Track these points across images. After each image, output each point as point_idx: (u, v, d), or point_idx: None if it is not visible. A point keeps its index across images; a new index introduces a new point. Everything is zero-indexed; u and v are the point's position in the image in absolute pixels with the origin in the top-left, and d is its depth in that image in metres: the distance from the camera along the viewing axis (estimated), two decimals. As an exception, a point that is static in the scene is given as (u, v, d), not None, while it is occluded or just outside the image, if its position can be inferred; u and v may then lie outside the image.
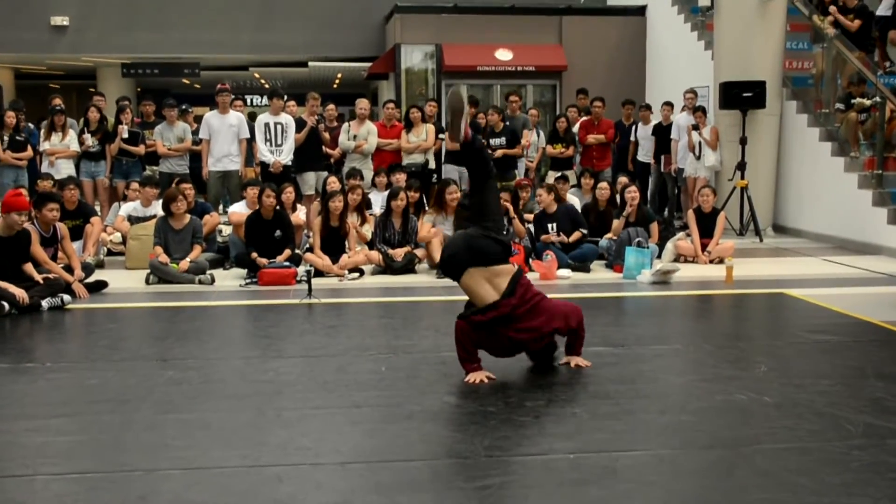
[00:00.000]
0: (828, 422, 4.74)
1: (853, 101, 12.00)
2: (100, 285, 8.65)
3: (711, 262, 10.32)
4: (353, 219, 9.94)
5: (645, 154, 14.03)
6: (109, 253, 10.62)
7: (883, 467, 4.11)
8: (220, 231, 10.96)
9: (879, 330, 6.99)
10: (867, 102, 11.72)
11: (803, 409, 4.95)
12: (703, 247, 10.51)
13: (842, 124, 12.28)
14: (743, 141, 12.71)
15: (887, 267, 9.97)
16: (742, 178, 12.64)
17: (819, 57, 13.33)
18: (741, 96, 12.71)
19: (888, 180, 11.49)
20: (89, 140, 12.19)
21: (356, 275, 9.47)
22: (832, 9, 13.22)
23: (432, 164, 12.76)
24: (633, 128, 14.18)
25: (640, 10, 18.60)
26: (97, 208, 11.57)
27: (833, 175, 12.09)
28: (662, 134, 13.66)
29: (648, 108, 14.22)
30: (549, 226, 10.24)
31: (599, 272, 9.91)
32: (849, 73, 12.53)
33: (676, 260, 10.26)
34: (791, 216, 13.18)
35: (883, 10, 13.72)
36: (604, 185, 10.98)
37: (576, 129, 13.76)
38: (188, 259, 9.20)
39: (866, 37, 13.20)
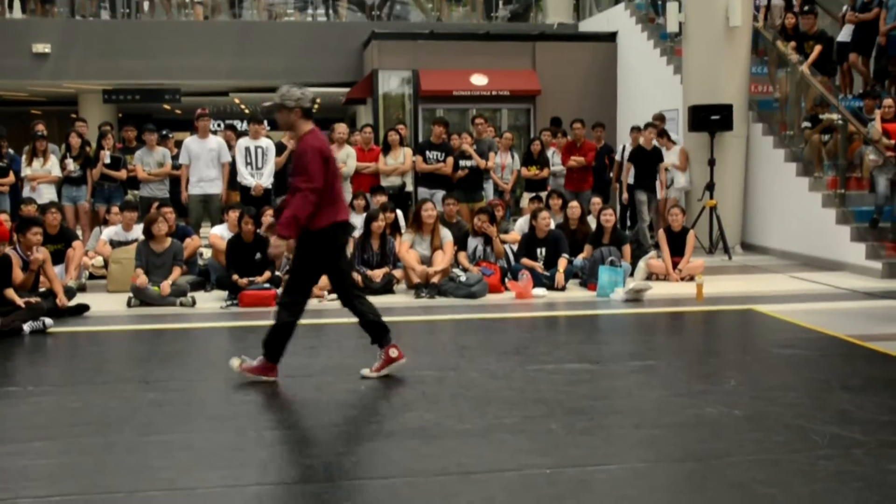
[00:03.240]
0: (796, 433, 4.87)
1: (821, 117, 12.25)
2: (81, 309, 8.69)
3: (682, 279, 10.48)
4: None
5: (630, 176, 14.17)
6: (91, 277, 10.64)
7: (849, 476, 4.23)
8: (201, 254, 11.02)
9: (844, 344, 7.15)
10: (835, 118, 11.97)
11: (772, 422, 5.08)
12: (674, 265, 10.69)
13: (806, 145, 12.54)
14: (711, 162, 12.93)
15: (851, 283, 10.17)
16: (711, 197, 12.84)
17: (783, 81, 13.59)
18: (709, 119, 12.94)
19: (851, 199, 11.73)
20: (71, 165, 12.24)
21: (335, 296, 9.52)
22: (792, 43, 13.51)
23: (409, 187, 12.90)
24: (621, 148, 14.34)
25: (611, 37, 18.85)
26: (79, 233, 11.60)
27: (798, 194, 12.32)
28: (645, 158, 13.49)
29: (638, 129, 14.34)
30: (539, 250, 10.35)
31: (574, 291, 10.04)
32: (812, 96, 12.79)
33: (648, 278, 10.43)
34: (758, 234, 13.40)
35: (843, 37, 14.03)
36: (574, 204, 11.13)
37: (550, 152, 13.93)
38: (169, 281, 9.26)
39: (827, 62, 13.47)
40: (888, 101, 11.67)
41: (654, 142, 13.41)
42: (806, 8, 14.09)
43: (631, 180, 13.72)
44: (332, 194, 5.98)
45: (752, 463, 4.44)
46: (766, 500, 3.99)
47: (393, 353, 6.16)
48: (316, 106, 28.93)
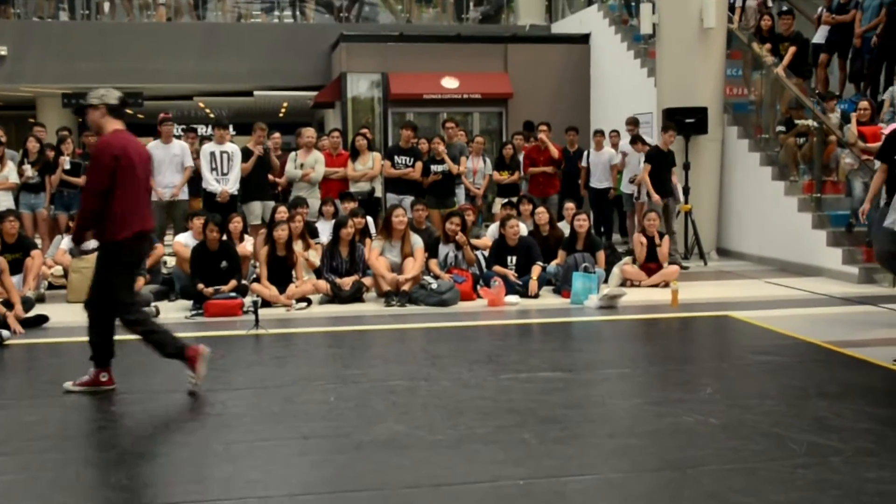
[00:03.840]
0: (773, 442, 4.80)
1: (796, 122, 12.24)
2: (40, 320, 8.49)
3: (657, 285, 10.41)
4: (297, 246, 9.90)
5: (598, 180, 14.11)
6: (50, 286, 10.43)
7: (826, 485, 4.17)
8: (165, 262, 10.83)
9: (821, 350, 7.10)
10: (811, 123, 11.96)
11: (749, 430, 5.01)
12: (650, 271, 10.62)
13: (781, 149, 12.52)
14: (686, 166, 12.88)
15: (827, 288, 10.15)
16: (686, 202, 12.80)
17: (758, 83, 13.58)
18: (684, 122, 12.89)
19: (827, 203, 11.72)
20: (29, 171, 11.99)
21: (304, 304, 9.41)
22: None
23: (378, 193, 12.77)
24: (585, 154, 14.28)
25: (584, 38, 18.82)
26: (37, 241, 11.37)
27: (774, 199, 12.30)
28: (663, 161, 12.69)
29: (601, 133, 14.31)
30: (509, 258, 10.24)
31: (547, 298, 9.95)
32: (787, 99, 12.78)
33: (623, 284, 10.34)
34: (734, 239, 13.37)
35: (818, 39, 14.06)
36: (541, 210, 11.03)
37: (523, 156, 13.84)
38: (132, 291, 9.06)
39: (803, 63, 13.48)
40: (864, 104, 11.68)
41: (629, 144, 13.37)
42: (784, 9, 14.10)
43: (600, 184, 13.72)
44: (132, 202, 5.90)
45: (728, 472, 4.38)
46: (744, 511, 3.92)
47: (103, 377, 6.04)
48: (283, 110, 28.97)
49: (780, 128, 12.64)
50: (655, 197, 12.09)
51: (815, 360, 6.80)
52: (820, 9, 14.34)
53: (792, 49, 13.22)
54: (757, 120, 13.55)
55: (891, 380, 6.17)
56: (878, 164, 10.08)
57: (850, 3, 13.83)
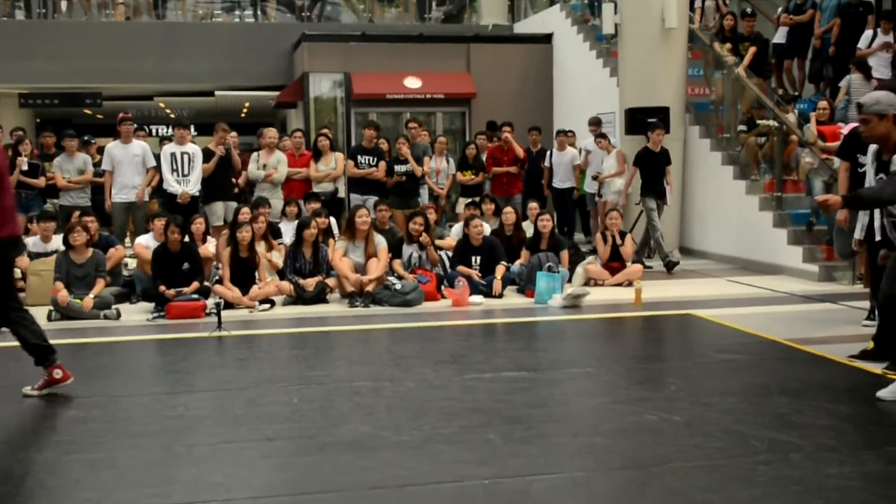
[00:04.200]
0: (735, 439, 4.84)
1: (758, 122, 12.35)
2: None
3: (620, 284, 10.46)
4: (259, 247, 9.84)
5: (561, 180, 14.15)
6: (10, 289, 10.28)
7: (787, 481, 4.20)
8: (126, 264, 10.72)
9: (782, 347, 7.16)
10: (772, 123, 12.07)
11: (712, 428, 5.04)
12: (613, 270, 10.67)
13: (742, 148, 12.63)
14: (648, 165, 12.94)
15: (788, 286, 10.24)
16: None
17: (719, 83, 13.69)
18: (646, 122, 12.96)
19: (787, 202, 11.84)
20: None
21: (267, 306, 9.35)
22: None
23: (342, 193, 12.73)
24: (548, 154, 14.32)
25: (547, 38, 18.87)
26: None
27: (735, 198, 12.39)
28: (652, 161, 12.56)
29: (565, 133, 14.35)
30: (473, 258, 10.23)
31: (511, 297, 9.96)
32: (748, 99, 12.89)
33: (586, 284, 10.38)
34: (696, 238, 13.46)
35: (778, 39, 14.21)
36: (509, 209, 11.05)
37: (486, 156, 13.86)
38: (91, 295, 8.96)
39: (763, 63, 13.60)
40: (823, 104, 11.80)
41: (592, 143, 13.41)
42: (749, 11, 14.23)
43: (562, 184, 13.72)
44: None
45: (691, 469, 4.41)
46: (707, 507, 3.94)
47: (57, 373, 5.99)
48: (245, 110, 28.76)
49: (742, 127, 12.75)
50: (622, 201, 12.11)
51: (776, 358, 6.85)
52: (779, 9, 14.49)
53: (752, 49, 13.36)
54: (718, 119, 13.67)
55: (850, 376, 6.24)
56: (837, 162, 10.20)
57: (807, 4, 14.00)
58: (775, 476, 4.27)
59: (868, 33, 12.92)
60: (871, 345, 6.57)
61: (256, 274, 9.68)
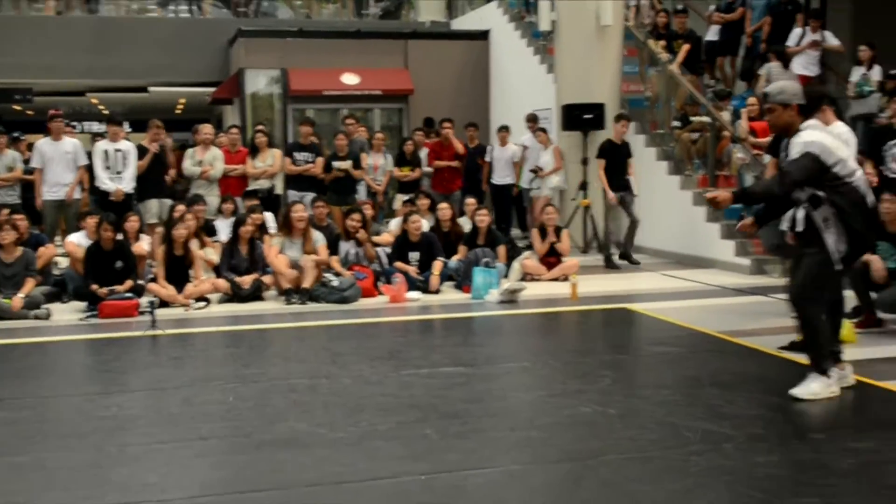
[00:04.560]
0: (668, 430, 4.91)
1: (692, 119, 12.51)
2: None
3: (557, 279, 10.53)
4: (193, 245, 9.73)
5: (500, 176, 14.19)
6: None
7: (719, 471, 4.28)
8: (57, 263, 10.52)
9: (714, 340, 7.27)
10: (706, 119, 12.23)
11: (645, 420, 5.11)
12: (549, 265, 10.74)
13: (676, 144, 12.79)
14: (584, 161, 13.06)
15: (721, 279, 10.40)
16: (585, 197, 12.98)
17: (654, 80, 13.85)
18: (582, 118, 13.07)
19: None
20: None
21: (202, 304, 9.25)
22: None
23: (279, 190, 12.64)
24: (490, 149, 14.36)
25: (484, 35, 18.92)
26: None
27: (669, 193, 12.55)
28: (616, 154, 12.23)
29: (506, 129, 14.38)
30: (411, 254, 10.22)
31: (448, 293, 9.98)
32: (682, 95, 13.06)
33: (523, 279, 10.44)
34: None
35: (711, 36, 14.42)
36: (444, 205, 11.07)
37: (423, 152, 13.86)
38: (21, 294, 8.77)
39: (696, 60, 13.80)
40: (753, 100, 11.99)
41: (529, 139, 13.47)
42: (680, 7, 14.41)
43: (502, 180, 13.75)
44: None
45: (625, 461, 4.46)
46: (640, 498, 4.01)
47: None
48: (180, 106, 28.43)
49: (676, 123, 12.92)
50: (611, 195, 11.72)
51: (708, 350, 6.96)
52: (711, 7, 14.71)
53: (686, 46, 13.52)
54: (652, 116, 13.82)
55: (780, 367, 6.36)
56: (767, 158, 10.36)
57: (737, 2, 14.25)
58: (707, 466, 4.34)
59: (797, 31, 13.18)
60: (799, 336, 6.70)
61: (191, 272, 9.57)
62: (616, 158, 11.94)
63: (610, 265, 11.77)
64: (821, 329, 5.56)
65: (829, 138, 5.44)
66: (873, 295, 7.44)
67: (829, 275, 5.46)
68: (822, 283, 5.49)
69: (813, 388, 5.46)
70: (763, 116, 11.73)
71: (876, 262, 7.18)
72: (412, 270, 9.99)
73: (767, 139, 10.83)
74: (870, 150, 7.62)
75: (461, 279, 10.14)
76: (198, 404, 5.60)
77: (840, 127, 6.24)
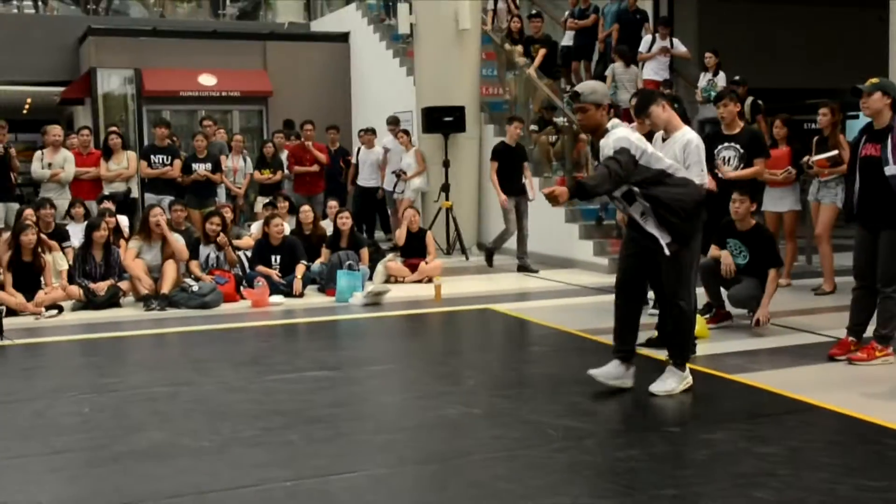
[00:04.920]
0: (532, 428, 4.98)
1: (554, 121, 12.74)
2: None
3: (421, 281, 10.58)
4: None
5: (365, 178, 14.14)
6: None
7: (581, 466, 4.38)
8: None
9: (575, 338, 7.43)
10: (560, 122, 12.49)
11: (509, 419, 5.18)
12: (413, 267, 10.78)
13: (535, 146, 13.03)
14: (446, 163, 13.16)
15: (581, 279, 10.64)
16: (447, 199, 13.08)
17: (512, 84, 14.08)
18: (442, 121, 13.18)
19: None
20: None
21: (54, 312, 8.90)
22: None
23: (135, 193, 12.30)
24: (356, 151, 14.30)
25: (344, 37, 18.86)
26: None
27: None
28: (509, 156, 11.81)
29: (372, 132, 14.33)
30: (273, 258, 10.07)
31: (312, 297, 9.90)
32: (539, 98, 13.32)
33: (387, 281, 10.45)
34: (494, 234, 13.63)
35: (566, 41, 14.76)
36: (306, 208, 10.98)
37: (284, 154, 13.70)
38: None
39: (552, 65, 14.09)
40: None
41: (391, 141, 13.49)
42: (534, 12, 14.68)
43: (367, 182, 13.72)
44: None
45: (491, 460, 4.51)
46: (506, 496, 4.04)
47: None
48: (27, 106, 27.30)
49: (534, 126, 13.16)
50: (502, 198, 11.25)
51: (569, 349, 7.11)
52: (567, 12, 15.05)
53: (542, 51, 13.80)
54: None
55: (637, 364, 6.51)
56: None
57: (590, 9, 14.65)
58: (570, 462, 4.42)
59: (647, 38, 13.66)
60: (655, 333, 6.93)
61: (42, 278, 9.19)
62: (510, 161, 11.50)
63: (490, 262, 11.84)
64: (691, 321, 5.77)
65: (634, 134, 5.58)
66: (724, 291, 7.74)
67: (687, 264, 5.60)
68: (686, 274, 5.62)
69: (670, 385, 5.63)
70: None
71: (726, 258, 7.48)
72: (274, 274, 9.87)
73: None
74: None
75: (325, 282, 10.07)
76: (51, 417, 5.39)
77: (689, 133, 6.45)
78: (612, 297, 8.64)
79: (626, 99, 12.08)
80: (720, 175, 7.85)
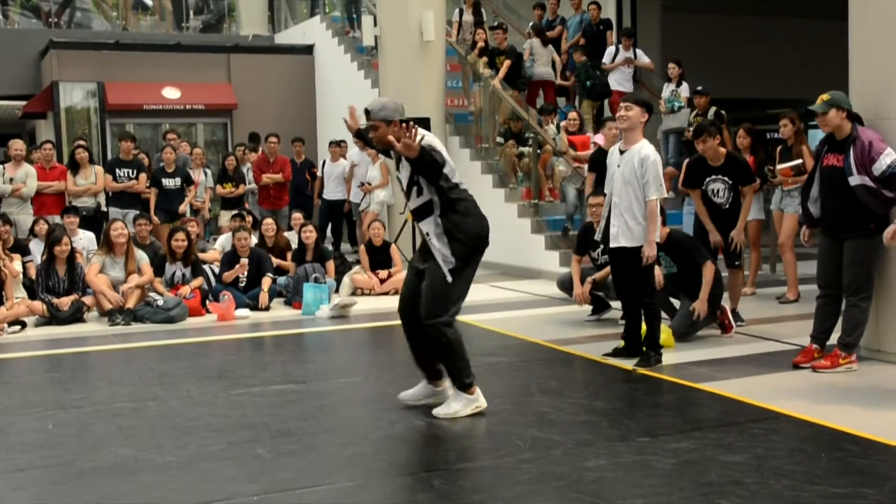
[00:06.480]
0: (499, 439, 4.99)
1: (528, 135, 12.77)
2: None
3: (387, 293, 10.56)
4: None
5: (331, 191, 14.09)
6: None
7: (549, 476, 4.37)
8: None
9: (542, 349, 7.46)
10: (526, 150, 12.54)
11: (477, 430, 5.19)
12: (380, 279, 10.76)
13: (500, 158, 13.08)
14: (412, 176, 13.14)
15: (546, 289, 10.64)
16: (412, 211, 13.05)
17: (477, 95, 14.13)
18: (408, 132, 13.14)
19: (543, 209, 12.35)
20: None
21: (17, 328, 8.80)
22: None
23: (104, 207, 12.19)
24: (322, 163, 14.28)
25: (308, 49, 18.84)
26: None
27: (495, 205, 12.75)
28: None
29: (337, 144, 14.28)
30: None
31: (279, 310, 9.86)
32: (504, 110, 13.38)
33: (354, 293, 10.43)
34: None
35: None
36: (269, 221, 10.94)
37: (246, 168, 13.63)
38: None
39: (517, 76, 14.16)
40: (573, 115, 12.40)
41: (357, 153, 13.46)
42: (496, 24, 14.76)
43: (333, 195, 13.66)
44: None
45: (458, 472, 4.51)
46: (475, 509, 4.03)
47: None
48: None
49: (499, 138, 13.22)
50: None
51: (537, 359, 7.13)
52: (531, 24, 15.14)
53: (507, 62, 13.85)
54: (477, 130, 14.10)
55: (604, 373, 6.58)
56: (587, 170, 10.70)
57: (557, 21, 14.76)
58: (538, 473, 4.42)
59: (611, 49, 13.78)
60: (621, 343, 6.96)
61: (3, 294, 9.08)
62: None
63: None
64: (458, 343, 5.50)
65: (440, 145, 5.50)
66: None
67: (450, 287, 5.38)
68: (446, 296, 5.40)
69: (454, 408, 5.45)
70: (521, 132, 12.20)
71: (658, 271, 7.45)
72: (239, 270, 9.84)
73: (587, 152, 11.23)
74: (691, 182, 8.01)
75: (291, 295, 10.03)
76: (14, 434, 5.32)
77: (647, 148, 6.52)
78: (580, 308, 8.78)
79: (541, 72, 14.22)
80: (715, 201, 7.88)
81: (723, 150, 7.88)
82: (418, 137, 5.27)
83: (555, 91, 14.54)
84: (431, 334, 5.42)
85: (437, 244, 5.38)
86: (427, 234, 5.42)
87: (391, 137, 5.24)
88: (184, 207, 12.22)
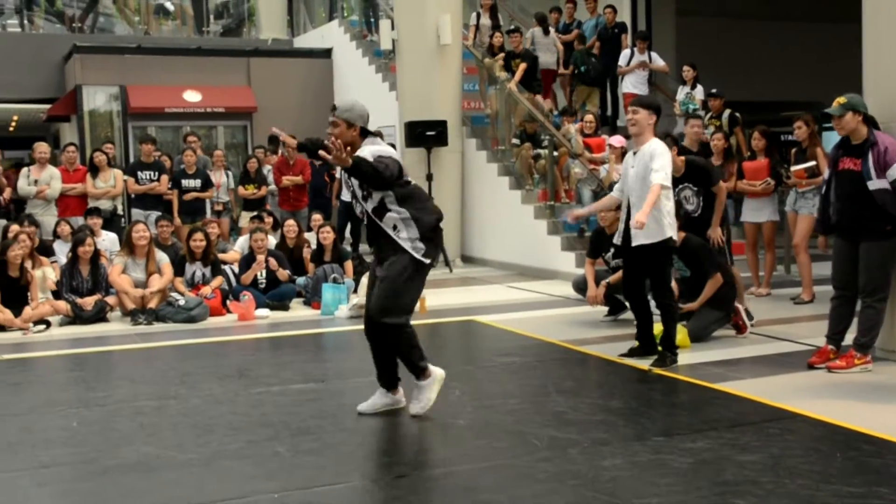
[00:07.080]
0: (517, 439, 5.02)
1: (544, 136, 12.82)
2: None
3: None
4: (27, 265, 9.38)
5: (349, 193, 14.15)
6: None
7: (566, 475, 4.41)
8: None
9: (559, 349, 7.50)
10: (542, 152, 12.58)
11: (494, 429, 5.22)
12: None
13: (517, 160, 13.13)
14: (429, 177, 13.23)
15: (563, 290, 10.66)
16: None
17: (493, 98, 14.18)
18: (425, 135, 13.25)
19: (559, 211, 12.37)
20: None
21: (42, 327, 8.93)
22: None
23: (120, 210, 12.33)
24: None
25: (327, 53, 18.95)
26: None
27: (512, 207, 12.86)
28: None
29: None
30: (259, 272, 10.09)
31: (298, 310, 9.94)
32: (521, 112, 13.43)
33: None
34: (477, 247, 13.86)
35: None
36: (291, 222, 11.02)
37: (267, 170, 13.73)
38: None
39: (532, 79, 14.21)
40: (589, 117, 12.45)
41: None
42: (512, 27, 14.81)
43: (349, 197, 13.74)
44: None
45: (476, 471, 4.54)
46: (491, 506, 4.07)
47: None
48: (13, 124, 27.29)
49: (515, 140, 13.27)
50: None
51: (553, 359, 7.16)
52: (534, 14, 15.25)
53: (522, 65, 13.89)
54: (493, 132, 14.15)
55: (620, 374, 6.61)
56: (603, 172, 10.74)
57: (574, 24, 14.81)
58: (555, 472, 4.46)
59: (626, 52, 13.83)
60: (636, 343, 7.00)
61: (29, 294, 9.21)
62: None
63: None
64: (410, 337, 5.53)
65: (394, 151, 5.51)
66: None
67: (408, 279, 5.45)
68: (400, 294, 5.46)
69: (426, 397, 5.50)
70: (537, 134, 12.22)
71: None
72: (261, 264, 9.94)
73: (602, 154, 11.28)
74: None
75: (310, 295, 10.11)
76: (39, 431, 5.41)
77: (655, 142, 6.56)
78: (595, 309, 8.81)
79: (542, 60, 14.42)
80: (685, 208, 7.84)
81: (681, 158, 7.74)
82: (369, 150, 5.29)
83: (553, 79, 14.82)
84: (400, 336, 5.46)
85: (405, 234, 5.38)
86: (394, 227, 5.39)
87: (323, 153, 5.24)
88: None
